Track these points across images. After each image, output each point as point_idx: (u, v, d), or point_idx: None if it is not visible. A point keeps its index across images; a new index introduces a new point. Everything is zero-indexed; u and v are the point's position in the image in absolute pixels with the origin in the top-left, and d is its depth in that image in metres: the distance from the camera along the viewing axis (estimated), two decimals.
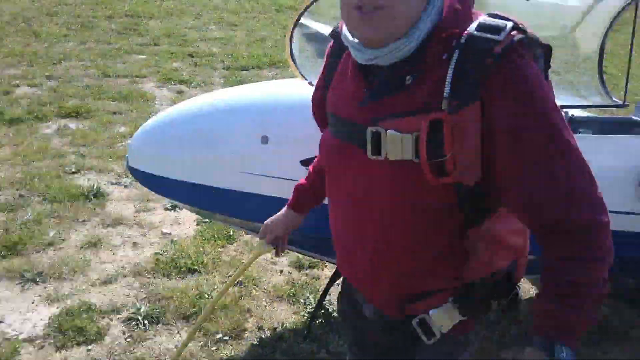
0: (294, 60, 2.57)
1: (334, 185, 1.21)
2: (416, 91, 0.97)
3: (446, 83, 0.92)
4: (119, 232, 3.31)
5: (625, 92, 2.34)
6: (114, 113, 5.13)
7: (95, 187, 3.72)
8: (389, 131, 0.98)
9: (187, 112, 2.23)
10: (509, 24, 0.93)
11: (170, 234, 3.31)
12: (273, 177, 2.15)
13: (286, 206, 1.50)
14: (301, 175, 2.12)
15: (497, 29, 0.92)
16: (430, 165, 0.95)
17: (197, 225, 3.39)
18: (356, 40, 1.03)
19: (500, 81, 0.92)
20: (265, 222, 1.53)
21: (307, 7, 2.47)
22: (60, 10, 8.98)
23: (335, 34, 1.18)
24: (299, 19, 2.52)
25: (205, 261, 3.02)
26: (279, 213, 1.52)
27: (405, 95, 0.98)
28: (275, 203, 2.22)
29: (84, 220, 3.39)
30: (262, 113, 2.16)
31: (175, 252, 3.09)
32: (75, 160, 4.16)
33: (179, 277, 2.91)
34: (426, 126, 0.93)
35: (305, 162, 2.07)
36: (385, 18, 0.94)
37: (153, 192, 2.45)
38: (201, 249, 3.13)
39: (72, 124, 4.80)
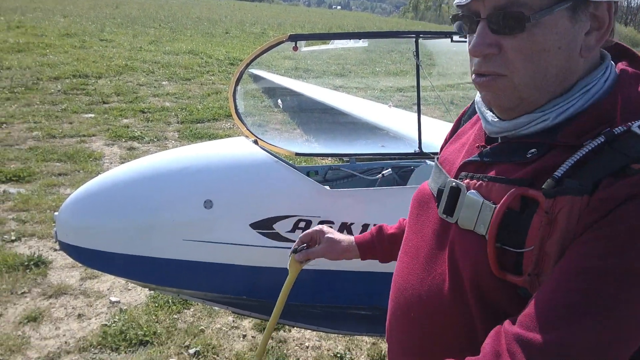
0: (239, 117, 2.48)
1: (407, 237, 1.03)
2: (531, 165, 0.80)
3: (564, 164, 0.74)
4: (62, 303, 3.01)
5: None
6: (59, 174, 4.85)
7: (36, 255, 3.42)
8: (469, 192, 0.83)
9: (120, 178, 2.03)
10: None
11: (119, 302, 3.02)
12: (218, 243, 1.99)
13: (354, 238, 1.32)
14: (249, 239, 1.99)
15: None
16: (498, 251, 0.77)
17: (150, 290, 3.12)
18: (487, 111, 0.89)
19: (631, 201, 0.68)
20: (312, 232, 1.35)
21: (248, 64, 2.40)
22: (2, 75, 8.69)
23: None
24: (241, 76, 2.45)
25: (158, 331, 2.74)
26: (333, 235, 1.33)
27: (518, 165, 0.81)
28: (222, 270, 2.07)
29: (23, 292, 3.07)
30: (205, 176, 2.01)
31: (125, 322, 2.80)
32: (15, 227, 3.85)
33: (129, 350, 2.62)
34: (511, 198, 0.76)
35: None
36: (505, 87, 0.81)
37: (89, 268, 2.22)
38: (154, 317, 2.86)
39: (13, 189, 4.49)
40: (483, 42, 0.79)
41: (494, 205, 0.78)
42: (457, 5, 0.83)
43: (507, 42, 0.79)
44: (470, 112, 1.06)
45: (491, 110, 0.89)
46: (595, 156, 0.73)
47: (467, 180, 0.85)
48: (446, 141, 1.11)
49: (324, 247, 1.32)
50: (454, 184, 0.86)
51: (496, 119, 0.87)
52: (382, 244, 1.27)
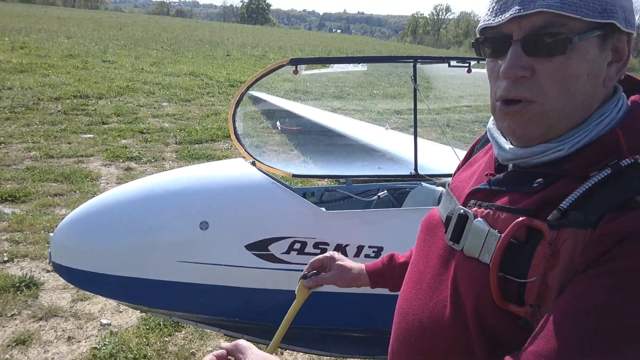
0: (238, 138, 2.48)
1: (413, 261, 1.02)
2: (537, 195, 0.79)
3: (570, 196, 0.72)
4: (52, 325, 2.95)
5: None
6: (55, 195, 4.82)
7: (27, 276, 3.37)
8: (476, 220, 0.83)
9: (116, 199, 2.02)
10: None
11: (110, 324, 2.97)
12: (213, 264, 1.97)
13: (364, 266, 1.29)
14: (244, 261, 1.96)
15: None
16: (501, 280, 0.76)
17: (142, 312, 3.06)
18: (500, 137, 0.88)
19: (631, 238, 0.67)
20: (322, 259, 1.30)
21: (249, 86, 2.41)
22: (4, 95, 8.73)
23: None
24: (241, 98, 2.46)
25: (148, 354, 2.68)
26: (344, 262, 1.29)
27: (525, 195, 0.80)
28: (216, 292, 2.04)
29: (12, 315, 3.01)
30: (201, 197, 2.00)
31: (115, 345, 2.74)
32: (8, 248, 3.81)
33: None
34: (515, 228, 0.75)
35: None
36: (535, 114, 0.78)
37: (81, 290, 2.18)
38: (144, 340, 2.80)
39: (8, 209, 4.45)
40: (517, 65, 0.77)
41: (499, 234, 0.77)
42: (485, 28, 0.81)
43: (541, 66, 0.77)
44: (484, 140, 1.05)
45: (504, 137, 0.87)
46: (600, 188, 0.72)
47: (475, 208, 0.85)
48: (458, 168, 1.10)
49: (334, 274, 1.29)
50: (461, 211, 0.85)
51: (511, 146, 0.85)
52: (392, 273, 1.25)
